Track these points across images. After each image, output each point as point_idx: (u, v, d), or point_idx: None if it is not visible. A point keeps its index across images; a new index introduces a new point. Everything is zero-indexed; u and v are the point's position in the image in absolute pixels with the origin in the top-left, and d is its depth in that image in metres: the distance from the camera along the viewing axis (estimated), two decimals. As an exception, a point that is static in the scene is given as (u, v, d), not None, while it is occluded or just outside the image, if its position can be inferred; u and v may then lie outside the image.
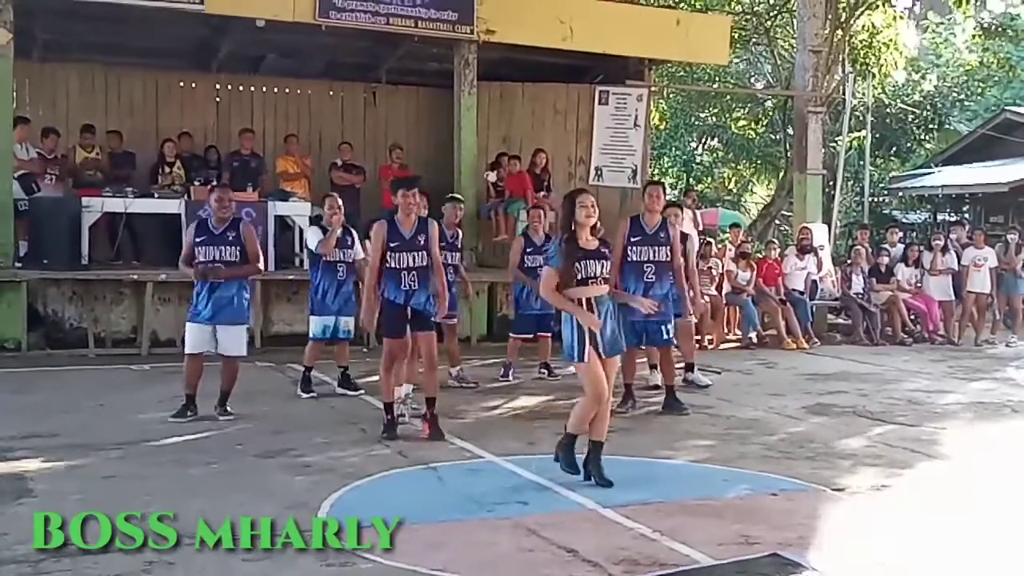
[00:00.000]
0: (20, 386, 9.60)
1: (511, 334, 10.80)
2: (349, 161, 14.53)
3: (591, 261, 6.21)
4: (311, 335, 9.36)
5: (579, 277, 6.18)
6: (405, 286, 7.39)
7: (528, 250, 10.38)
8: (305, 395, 9.25)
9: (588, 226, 6.26)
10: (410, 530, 5.16)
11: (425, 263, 7.46)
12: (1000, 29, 24.58)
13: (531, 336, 10.66)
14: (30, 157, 12.57)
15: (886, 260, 15.28)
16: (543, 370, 10.69)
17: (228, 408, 8.23)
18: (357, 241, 9.49)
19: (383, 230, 7.39)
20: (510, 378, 10.43)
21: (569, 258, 6.17)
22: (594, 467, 6.25)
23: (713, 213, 21.80)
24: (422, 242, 7.45)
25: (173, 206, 12.38)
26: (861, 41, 20.33)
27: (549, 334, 10.47)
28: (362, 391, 9.32)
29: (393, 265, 7.38)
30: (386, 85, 16.27)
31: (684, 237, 9.42)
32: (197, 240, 8.00)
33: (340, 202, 9.38)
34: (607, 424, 6.35)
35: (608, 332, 6.21)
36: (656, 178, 17.95)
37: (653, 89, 17.03)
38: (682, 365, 10.03)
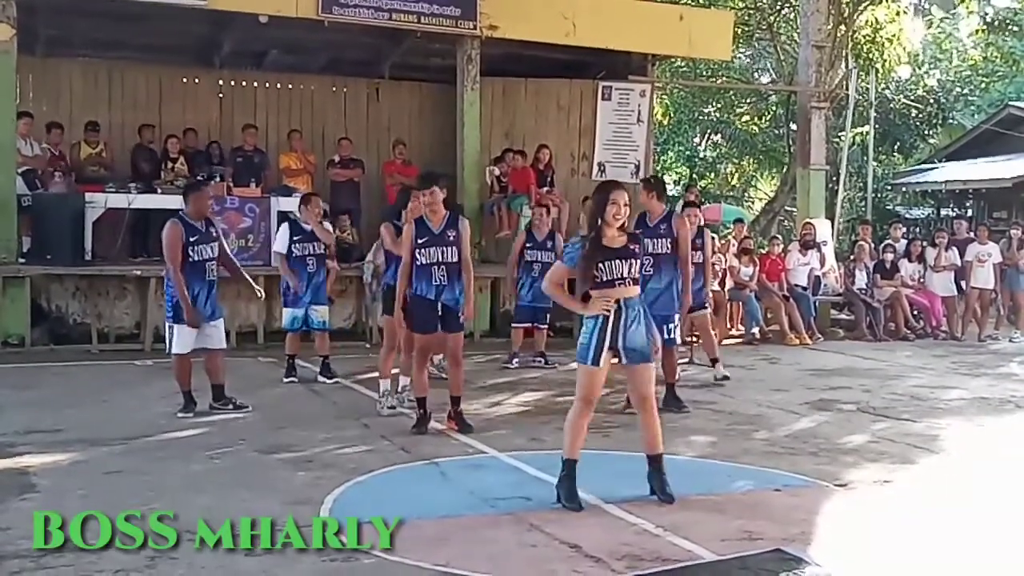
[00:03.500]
0: (24, 382, 9.61)
1: (512, 324, 11.44)
2: (347, 156, 14.52)
3: (617, 261, 5.70)
4: (283, 326, 10.00)
5: (604, 279, 5.69)
6: (436, 281, 7.45)
7: (528, 245, 10.95)
8: (286, 380, 9.71)
9: (616, 225, 5.81)
10: (413, 526, 5.17)
11: (455, 259, 7.52)
12: (1004, 23, 24.53)
13: (529, 325, 11.18)
14: (35, 153, 12.57)
15: (890, 256, 15.26)
16: (538, 359, 11.08)
17: (236, 399, 8.30)
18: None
19: (411, 229, 7.48)
20: (512, 364, 10.92)
21: (590, 260, 5.73)
22: (656, 481, 5.91)
23: (716, 209, 21.76)
24: (451, 238, 7.49)
25: (176, 202, 12.30)
26: (864, 36, 20.32)
27: (545, 326, 11.10)
28: (339, 379, 9.77)
29: (423, 261, 7.43)
30: (389, 81, 16.26)
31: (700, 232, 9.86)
32: (191, 239, 7.95)
33: (321, 202, 10.08)
34: (657, 434, 5.89)
35: (629, 337, 5.72)
36: (654, 174, 17.94)
37: (656, 85, 17.04)
38: (686, 360, 10.09)
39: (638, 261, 5.86)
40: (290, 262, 9.68)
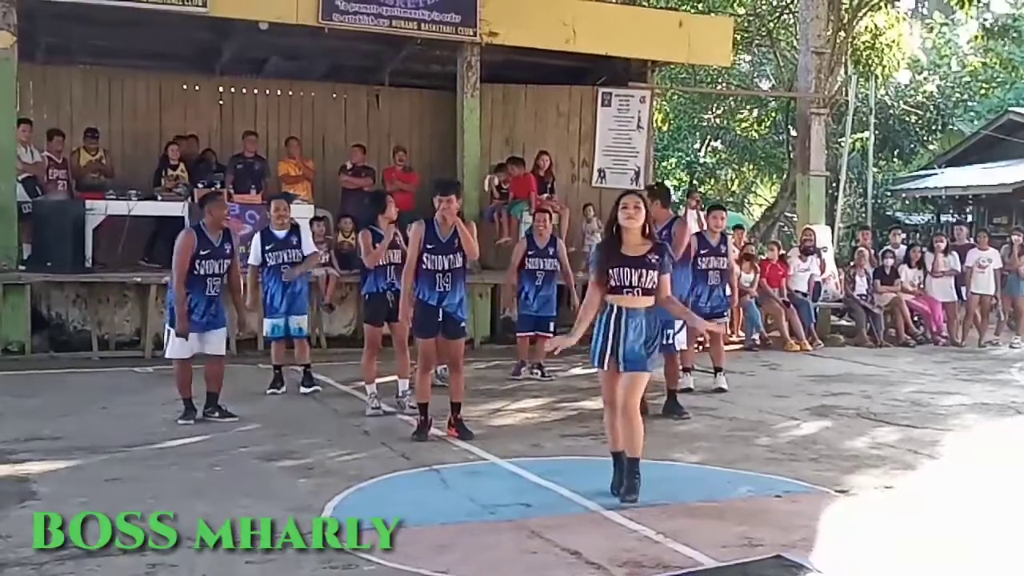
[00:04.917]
0: (24, 389, 9.61)
1: (516, 333, 11.23)
2: (359, 164, 14.53)
3: (627, 269, 5.77)
4: (265, 334, 9.81)
5: (612, 285, 5.80)
6: (439, 288, 7.49)
7: (530, 252, 10.81)
8: (268, 391, 9.44)
9: (632, 229, 5.83)
10: (413, 532, 5.17)
11: (459, 266, 7.57)
12: (1003, 30, 24.58)
13: (532, 333, 10.92)
14: (35, 160, 12.57)
15: (890, 262, 15.27)
16: (536, 370, 10.87)
17: (226, 407, 8.27)
18: (307, 238, 9.69)
19: (421, 231, 7.48)
20: (521, 374, 10.77)
21: (602, 264, 5.85)
22: (626, 479, 5.94)
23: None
24: (457, 245, 7.53)
25: (176, 208, 12.37)
26: (864, 42, 20.31)
27: (549, 334, 10.71)
28: (318, 387, 9.56)
29: (428, 267, 7.48)
30: (389, 87, 16.25)
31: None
32: (202, 253, 7.92)
33: (287, 205, 9.73)
34: (635, 437, 5.90)
35: (627, 346, 5.80)
36: (659, 180, 17.97)
37: (656, 91, 17.05)
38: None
39: (654, 272, 5.84)
40: (265, 272, 9.40)
